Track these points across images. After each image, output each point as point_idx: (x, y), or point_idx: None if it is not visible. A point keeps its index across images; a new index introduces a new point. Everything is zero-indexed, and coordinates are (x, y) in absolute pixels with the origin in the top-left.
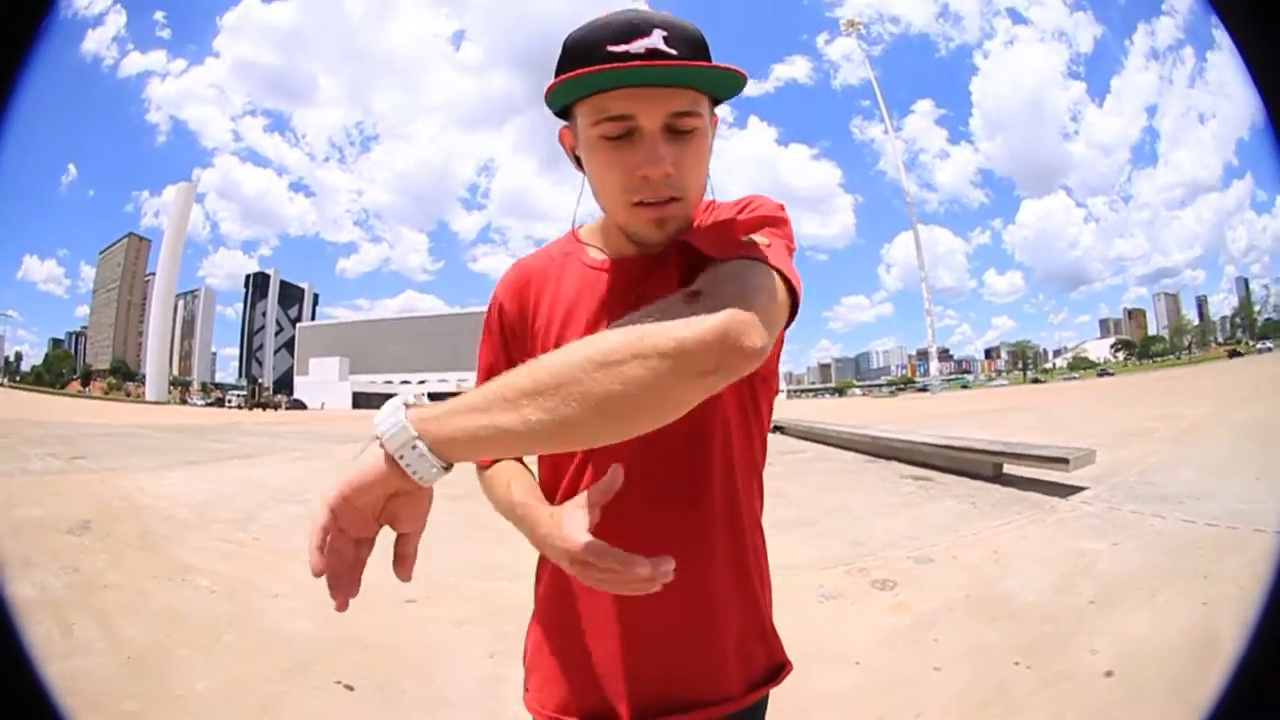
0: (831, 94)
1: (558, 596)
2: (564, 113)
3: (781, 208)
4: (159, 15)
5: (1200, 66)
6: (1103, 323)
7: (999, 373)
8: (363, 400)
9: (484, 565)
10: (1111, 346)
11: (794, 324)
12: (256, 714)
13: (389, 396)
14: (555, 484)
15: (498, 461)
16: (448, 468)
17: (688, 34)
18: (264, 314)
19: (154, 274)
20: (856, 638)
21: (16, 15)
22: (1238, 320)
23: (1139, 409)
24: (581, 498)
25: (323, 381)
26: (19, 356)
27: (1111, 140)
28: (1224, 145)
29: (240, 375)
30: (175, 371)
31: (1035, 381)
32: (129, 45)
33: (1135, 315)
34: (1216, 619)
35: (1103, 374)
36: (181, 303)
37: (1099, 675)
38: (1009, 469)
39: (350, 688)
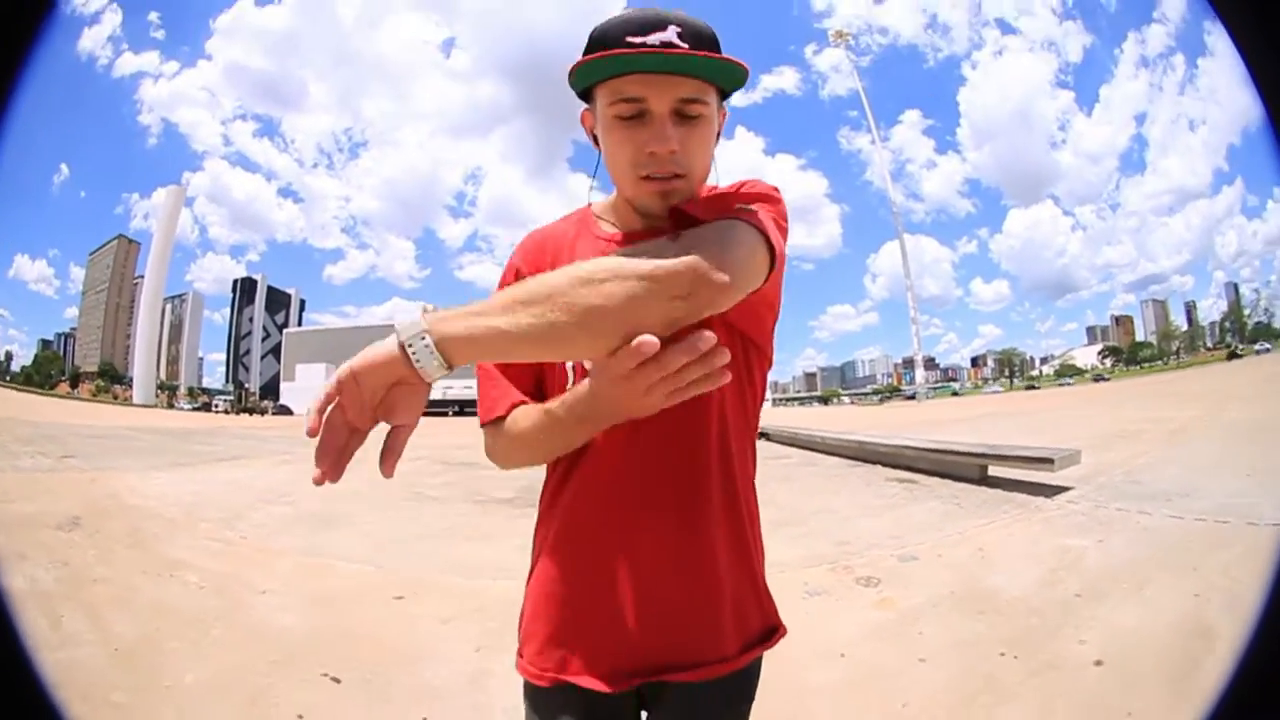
0: (819, 104)
1: (555, 561)
2: (585, 96)
3: (776, 189)
4: (154, 16)
5: (1191, 73)
6: (1090, 330)
7: (985, 380)
8: None
9: (470, 564)
10: (1099, 353)
11: (781, 302)
12: (244, 705)
13: None
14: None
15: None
16: (449, 367)
17: (699, 30)
18: (251, 319)
19: (142, 277)
20: (842, 632)
21: (16, 15)
22: (1227, 325)
23: (1131, 411)
24: None
25: (309, 388)
26: (9, 356)
27: (1100, 149)
28: (1214, 151)
29: (227, 380)
30: (162, 375)
31: (1030, 387)
32: (123, 45)
33: (1123, 322)
34: (1208, 610)
35: (1099, 379)
36: (169, 306)
37: (1088, 665)
38: (994, 471)
39: (337, 680)
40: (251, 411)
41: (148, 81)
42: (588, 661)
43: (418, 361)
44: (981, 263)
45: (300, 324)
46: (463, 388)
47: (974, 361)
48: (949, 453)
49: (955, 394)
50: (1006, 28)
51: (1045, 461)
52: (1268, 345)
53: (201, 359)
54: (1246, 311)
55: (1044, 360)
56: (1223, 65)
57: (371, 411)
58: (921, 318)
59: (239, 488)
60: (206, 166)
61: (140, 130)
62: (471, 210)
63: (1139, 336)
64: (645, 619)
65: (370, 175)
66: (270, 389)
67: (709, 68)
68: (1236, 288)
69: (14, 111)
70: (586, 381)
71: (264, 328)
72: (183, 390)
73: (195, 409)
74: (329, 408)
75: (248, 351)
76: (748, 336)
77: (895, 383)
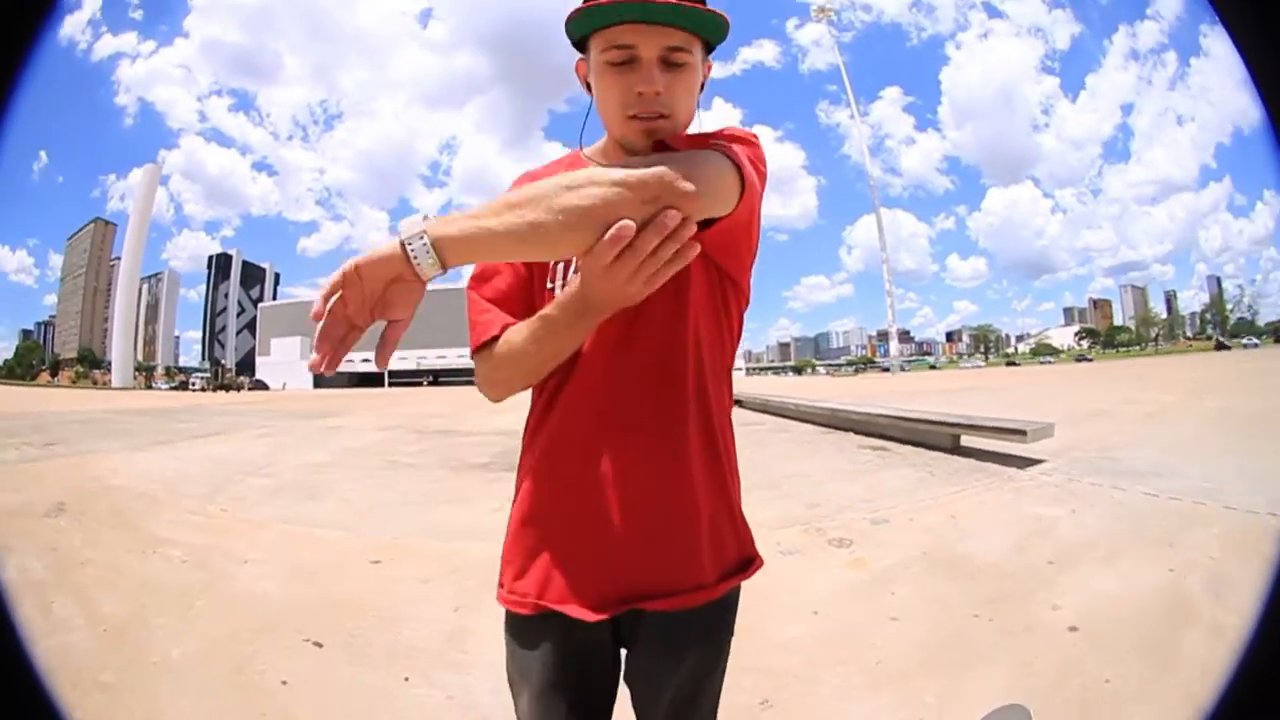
0: (799, 78)
1: (535, 486)
2: (581, 46)
3: (755, 135)
4: None
5: (1183, 70)
6: (1067, 311)
7: (960, 355)
8: (324, 379)
9: (446, 528)
10: (1075, 334)
11: (757, 228)
12: (229, 675)
13: (351, 376)
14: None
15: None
16: (443, 267)
17: None
18: (226, 295)
19: (119, 259)
20: (815, 590)
21: (16, 15)
22: (1208, 317)
23: (1113, 392)
24: None
25: (284, 361)
26: None
27: (1083, 135)
28: (1202, 148)
29: (203, 358)
30: (140, 357)
31: (1010, 364)
32: (102, 28)
33: (1101, 305)
34: (1186, 585)
35: (1081, 359)
36: (145, 286)
37: (1063, 630)
38: (967, 441)
39: (319, 644)
40: (228, 388)
41: (125, 62)
42: (566, 586)
43: (415, 260)
44: (959, 239)
45: (275, 298)
46: (435, 357)
47: (949, 336)
48: (922, 421)
49: (933, 367)
50: (993, 11)
51: (1018, 433)
52: (1256, 340)
53: (178, 338)
54: (1229, 306)
55: (1020, 338)
56: (1218, 67)
57: (370, 307)
58: (897, 291)
59: (218, 463)
60: (182, 144)
61: (117, 111)
62: (446, 180)
63: (1117, 321)
64: (623, 543)
65: (345, 147)
66: (246, 365)
67: (692, 18)
68: (1219, 281)
69: (13, 113)
70: (576, 280)
71: (239, 303)
72: (160, 370)
73: (173, 388)
74: (334, 297)
75: (223, 328)
76: (724, 271)
77: (869, 355)
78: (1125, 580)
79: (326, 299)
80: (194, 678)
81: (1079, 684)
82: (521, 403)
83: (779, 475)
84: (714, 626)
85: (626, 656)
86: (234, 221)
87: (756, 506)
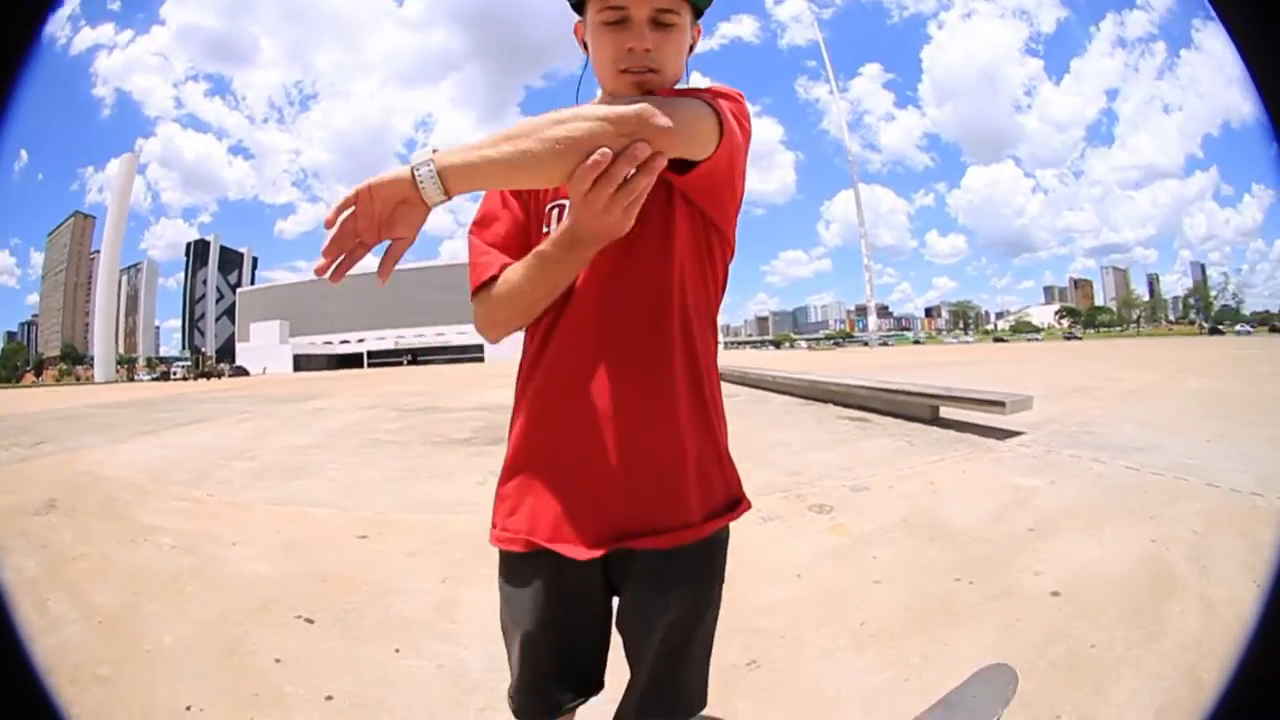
0: (777, 53)
1: (529, 431)
2: (579, 8)
3: (740, 93)
4: None
5: (1172, 61)
6: (1047, 290)
7: (940, 331)
8: (303, 362)
9: (430, 501)
10: (1056, 313)
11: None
12: (222, 656)
13: (330, 358)
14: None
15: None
16: (446, 194)
17: None
18: (205, 282)
19: (98, 252)
20: (797, 555)
21: (15, 15)
22: (1191, 302)
23: (1099, 368)
24: None
25: (264, 346)
26: None
27: (1067, 117)
28: (1189, 138)
29: (183, 346)
30: (121, 349)
31: (998, 340)
32: (81, 22)
33: (1082, 285)
34: (1169, 555)
35: (1069, 338)
36: (125, 277)
37: (1045, 595)
38: (946, 413)
39: (311, 621)
40: (209, 375)
41: (103, 54)
42: (557, 524)
43: (421, 185)
44: (938, 216)
45: (253, 282)
46: (414, 336)
47: (928, 312)
48: (901, 392)
49: (917, 342)
50: None
51: (996, 404)
52: (1249, 328)
53: (158, 328)
54: (1213, 293)
55: (999, 315)
56: (1209, 60)
57: (378, 225)
58: (875, 266)
59: (203, 449)
60: (159, 131)
61: (95, 103)
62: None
63: (1098, 301)
64: (612, 481)
65: (321, 128)
66: (226, 351)
67: None
68: (1204, 268)
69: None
70: (566, 217)
71: (218, 289)
72: (141, 361)
73: (154, 379)
74: (346, 212)
75: (203, 315)
76: (709, 218)
77: (848, 329)
78: (1107, 548)
79: (339, 211)
80: (188, 662)
81: (1065, 648)
82: (499, 379)
83: (758, 445)
84: (704, 567)
85: (619, 603)
86: (211, 207)
87: None
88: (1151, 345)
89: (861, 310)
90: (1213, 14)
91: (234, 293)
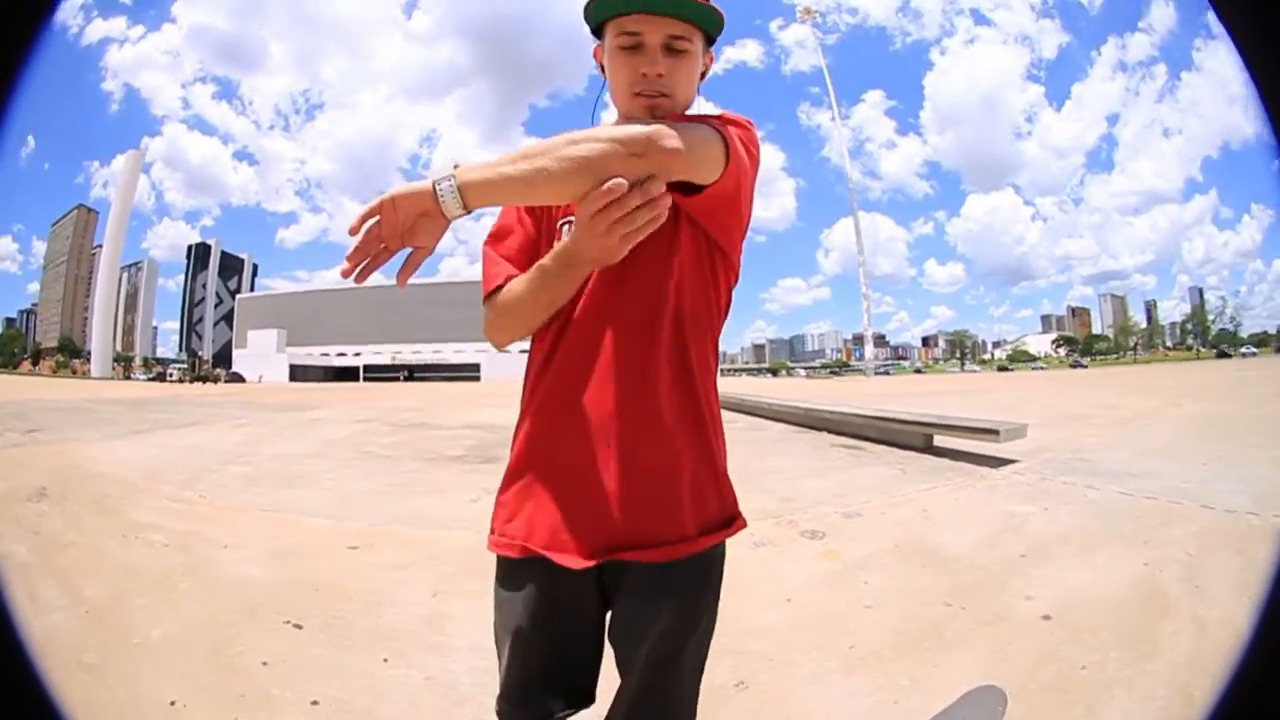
0: (780, 79)
1: (531, 440)
2: (598, 33)
3: (750, 121)
4: None
5: (1172, 84)
6: (1045, 318)
7: (936, 361)
8: (300, 373)
9: (423, 516)
10: (1053, 342)
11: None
12: (209, 655)
13: (326, 370)
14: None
15: (503, 286)
16: (466, 209)
17: None
18: (204, 285)
19: (100, 247)
20: (788, 580)
21: (15, 15)
22: (1189, 327)
23: (1096, 396)
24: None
25: (261, 354)
26: None
27: (1067, 144)
28: (1188, 161)
29: (180, 349)
30: (119, 346)
31: (1002, 369)
32: (94, 12)
33: (1079, 313)
34: (1161, 578)
35: (1075, 365)
36: (125, 275)
37: (1036, 619)
38: (940, 441)
39: (299, 626)
40: (205, 380)
41: (114, 48)
42: (553, 532)
43: (442, 198)
44: (937, 244)
45: (253, 289)
46: (410, 353)
47: (925, 341)
48: (895, 421)
49: (918, 371)
50: (980, 18)
51: (990, 432)
52: (1254, 349)
53: (156, 328)
54: (1211, 317)
55: (996, 344)
56: (1209, 81)
57: (400, 234)
58: (873, 295)
59: (197, 451)
60: (165, 131)
61: (103, 97)
62: (425, 174)
63: (1095, 329)
64: (608, 493)
65: (325, 137)
66: (223, 356)
67: (691, 10)
68: (1202, 292)
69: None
70: (569, 234)
71: (217, 294)
72: (138, 361)
73: (150, 379)
74: (371, 220)
75: (201, 319)
76: (714, 242)
77: (845, 358)
78: (1100, 573)
79: (364, 219)
80: (175, 658)
81: (1055, 670)
82: (493, 399)
83: (753, 471)
84: (699, 580)
85: (611, 613)
86: (213, 211)
87: None
88: (1148, 371)
89: (859, 339)
90: (1219, 26)
91: (233, 298)
